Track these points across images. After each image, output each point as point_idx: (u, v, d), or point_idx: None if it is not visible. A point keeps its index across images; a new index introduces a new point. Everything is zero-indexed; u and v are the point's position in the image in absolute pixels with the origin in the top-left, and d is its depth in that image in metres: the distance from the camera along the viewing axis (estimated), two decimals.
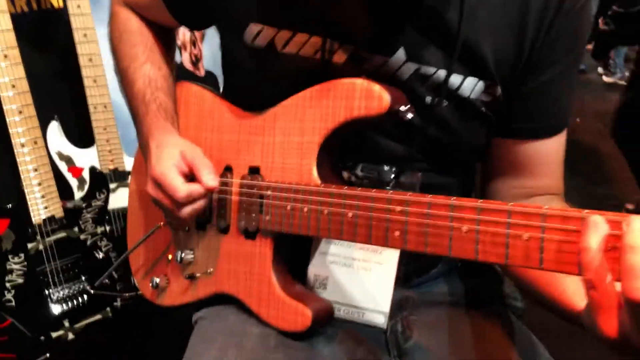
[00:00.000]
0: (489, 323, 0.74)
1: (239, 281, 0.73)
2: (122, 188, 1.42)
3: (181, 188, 0.68)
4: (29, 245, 1.24)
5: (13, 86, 1.16)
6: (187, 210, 0.69)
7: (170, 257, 0.82)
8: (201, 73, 1.82)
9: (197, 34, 1.76)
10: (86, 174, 1.37)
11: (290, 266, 0.72)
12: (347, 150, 0.69)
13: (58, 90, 1.41)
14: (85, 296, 1.33)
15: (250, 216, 0.70)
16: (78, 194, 1.36)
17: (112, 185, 1.39)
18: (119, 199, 1.41)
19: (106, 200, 1.38)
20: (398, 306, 0.71)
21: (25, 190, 1.22)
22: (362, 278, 0.70)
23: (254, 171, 0.71)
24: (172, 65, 0.83)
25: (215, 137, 0.76)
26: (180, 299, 0.82)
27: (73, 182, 1.37)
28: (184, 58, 1.75)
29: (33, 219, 1.24)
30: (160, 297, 0.85)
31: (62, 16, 1.40)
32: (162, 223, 0.81)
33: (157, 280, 0.83)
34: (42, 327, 1.27)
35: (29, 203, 1.23)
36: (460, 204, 0.51)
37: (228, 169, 0.74)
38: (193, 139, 0.76)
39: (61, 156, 1.34)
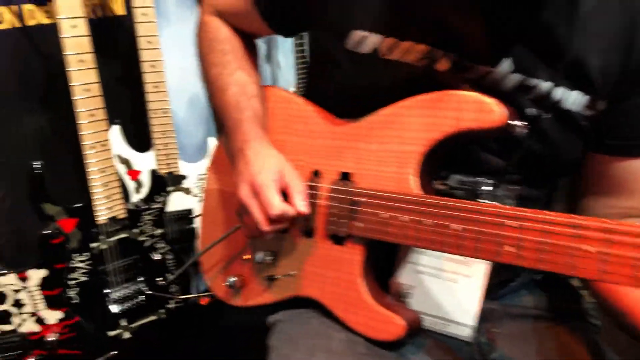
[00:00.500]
0: (574, 338, 0.73)
1: (325, 286, 0.73)
2: (176, 192, 1.44)
3: (278, 206, 0.70)
4: (93, 245, 1.27)
5: (86, 90, 1.19)
6: (273, 226, 0.72)
7: (247, 257, 0.83)
8: None
9: None
10: (143, 177, 1.40)
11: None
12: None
13: (119, 94, 1.44)
14: (141, 297, 1.35)
15: (340, 222, 0.71)
16: (135, 197, 1.39)
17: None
18: (173, 202, 1.43)
19: (165, 203, 1.40)
20: (482, 318, 0.71)
21: (91, 191, 1.25)
22: (449, 289, 0.70)
23: (345, 177, 0.72)
24: (259, 73, 0.85)
25: (303, 142, 0.77)
26: (256, 300, 0.82)
27: (130, 185, 1.40)
28: None
29: (96, 219, 1.27)
30: (235, 298, 0.85)
31: (123, 23, 1.45)
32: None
33: (233, 280, 0.83)
34: (102, 325, 1.30)
35: (93, 203, 1.26)
36: (586, 223, 0.50)
37: (316, 174, 0.75)
38: (280, 143, 0.77)
39: (121, 159, 1.38)
